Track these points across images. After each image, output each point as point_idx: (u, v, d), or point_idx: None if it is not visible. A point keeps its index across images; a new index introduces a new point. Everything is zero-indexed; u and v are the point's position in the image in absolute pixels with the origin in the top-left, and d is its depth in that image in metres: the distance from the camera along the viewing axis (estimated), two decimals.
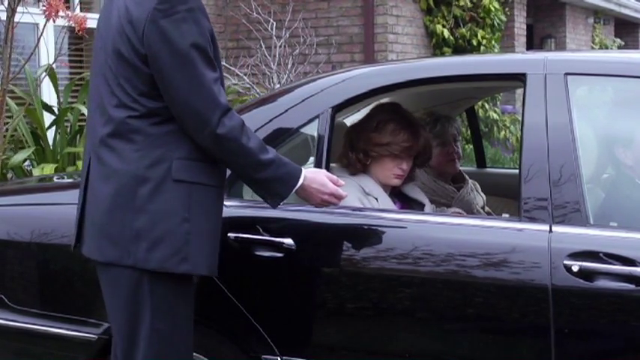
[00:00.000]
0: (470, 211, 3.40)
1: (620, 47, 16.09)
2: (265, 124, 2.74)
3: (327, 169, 2.67)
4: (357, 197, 2.85)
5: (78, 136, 6.33)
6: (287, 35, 7.39)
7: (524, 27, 12.03)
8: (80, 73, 7.30)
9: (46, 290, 2.91)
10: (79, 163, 5.76)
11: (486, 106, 10.01)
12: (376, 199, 2.88)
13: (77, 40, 6.53)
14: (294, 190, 2.42)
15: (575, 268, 2.34)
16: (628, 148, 2.76)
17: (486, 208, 3.64)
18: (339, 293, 2.61)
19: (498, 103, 10.54)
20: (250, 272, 2.68)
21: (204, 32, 2.29)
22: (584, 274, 2.33)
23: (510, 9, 11.01)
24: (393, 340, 2.56)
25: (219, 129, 2.27)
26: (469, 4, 9.31)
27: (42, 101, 6.48)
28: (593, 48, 15.07)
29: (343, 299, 2.61)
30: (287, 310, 2.65)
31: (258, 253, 2.63)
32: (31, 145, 6.13)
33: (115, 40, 2.31)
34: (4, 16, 4.90)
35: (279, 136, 2.73)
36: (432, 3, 9.09)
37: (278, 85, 6.95)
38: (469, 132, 4.41)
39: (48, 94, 7.01)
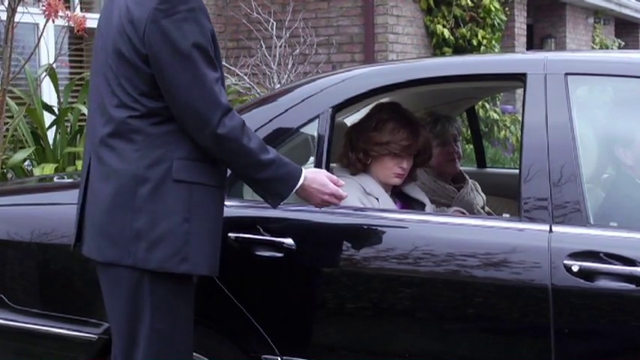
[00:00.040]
0: (470, 211, 3.40)
1: (620, 47, 16.09)
2: (265, 123, 2.74)
3: (328, 169, 2.67)
4: (358, 197, 2.85)
5: (78, 136, 6.33)
6: (287, 35, 7.39)
7: (525, 27, 12.03)
8: (80, 73, 7.30)
9: (46, 290, 2.90)
10: (79, 163, 5.75)
11: (486, 106, 10.01)
12: (377, 199, 2.88)
13: (77, 40, 6.53)
14: (294, 190, 2.42)
15: (575, 268, 2.34)
16: (628, 148, 2.76)
17: (486, 208, 3.64)
18: (340, 293, 2.61)
19: (498, 103, 10.53)
20: (250, 272, 2.68)
21: (205, 32, 2.29)
22: (584, 274, 2.33)
23: (510, 9, 11.01)
24: (393, 340, 2.56)
25: (219, 129, 2.27)
26: (469, 4, 9.31)
27: (42, 101, 6.48)
28: (593, 48, 15.07)
29: (343, 299, 2.61)
30: (287, 310, 2.65)
31: (258, 253, 2.63)
32: (31, 145, 6.13)
33: (116, 39, 2.31)
34: (4, 16, 4.89)
35: (279, 136, 2.73)
36: (432, 3, 9.09)
37: (278, 85, 6.95)
38: (469, 132, 4.41)
39: (48, 94, 7.01)
